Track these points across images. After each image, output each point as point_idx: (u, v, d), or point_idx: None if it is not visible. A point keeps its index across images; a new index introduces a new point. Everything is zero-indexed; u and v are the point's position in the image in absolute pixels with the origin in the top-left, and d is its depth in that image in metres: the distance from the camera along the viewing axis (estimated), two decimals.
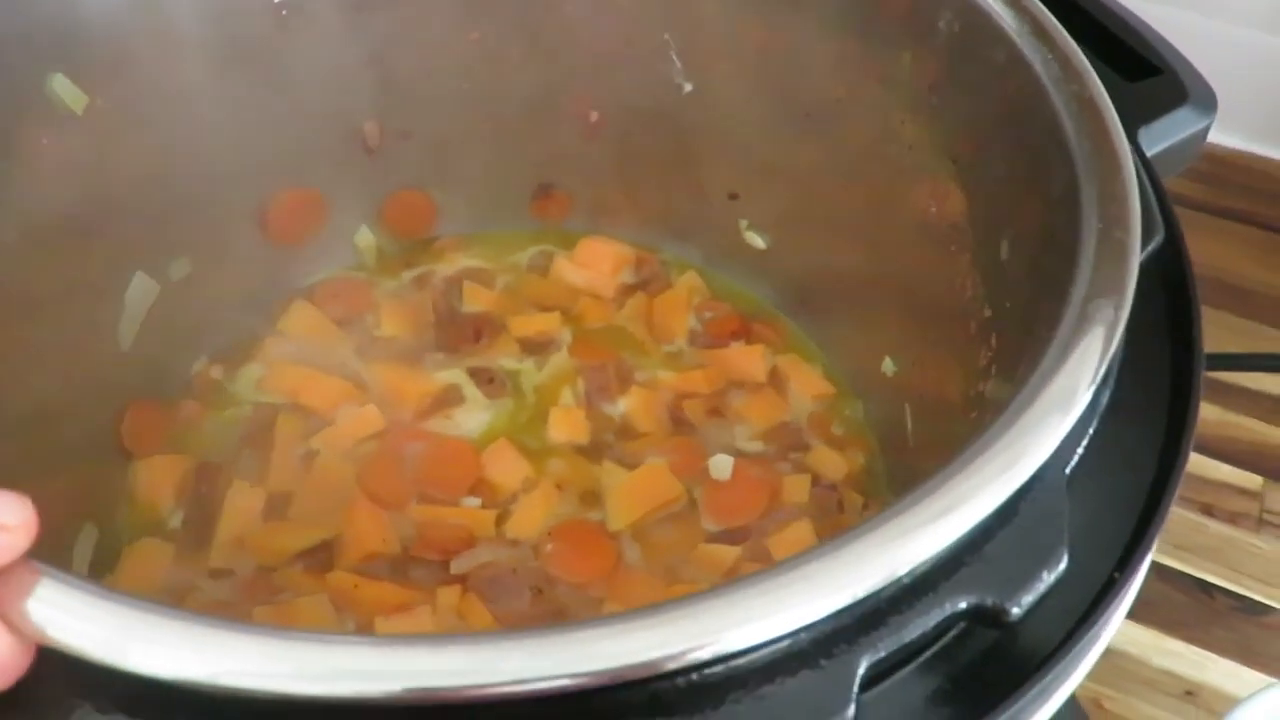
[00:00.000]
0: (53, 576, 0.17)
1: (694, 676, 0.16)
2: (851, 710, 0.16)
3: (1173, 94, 0.27)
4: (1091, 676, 0.43)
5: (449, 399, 0.38)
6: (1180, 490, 0.47)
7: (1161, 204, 0.24)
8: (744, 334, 0.41)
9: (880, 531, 0.16)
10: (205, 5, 0.31)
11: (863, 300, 0.38)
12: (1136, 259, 0.20)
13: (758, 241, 0.40)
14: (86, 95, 0.30)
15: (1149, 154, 0.26)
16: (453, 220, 0.42)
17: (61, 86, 0.29)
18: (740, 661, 0.16)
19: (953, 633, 0.18)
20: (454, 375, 0.38)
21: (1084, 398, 0.18)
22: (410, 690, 0.15)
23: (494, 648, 0.15)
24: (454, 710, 0.15)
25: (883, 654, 0.17)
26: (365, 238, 0.41)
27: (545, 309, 0.41)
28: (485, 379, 0.39)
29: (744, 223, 0.40)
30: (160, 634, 0.16)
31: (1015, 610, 0.17)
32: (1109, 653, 0.44)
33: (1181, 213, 0.63)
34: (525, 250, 0.43)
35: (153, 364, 0.35)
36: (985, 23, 0.27)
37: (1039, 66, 0.26)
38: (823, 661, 0.16)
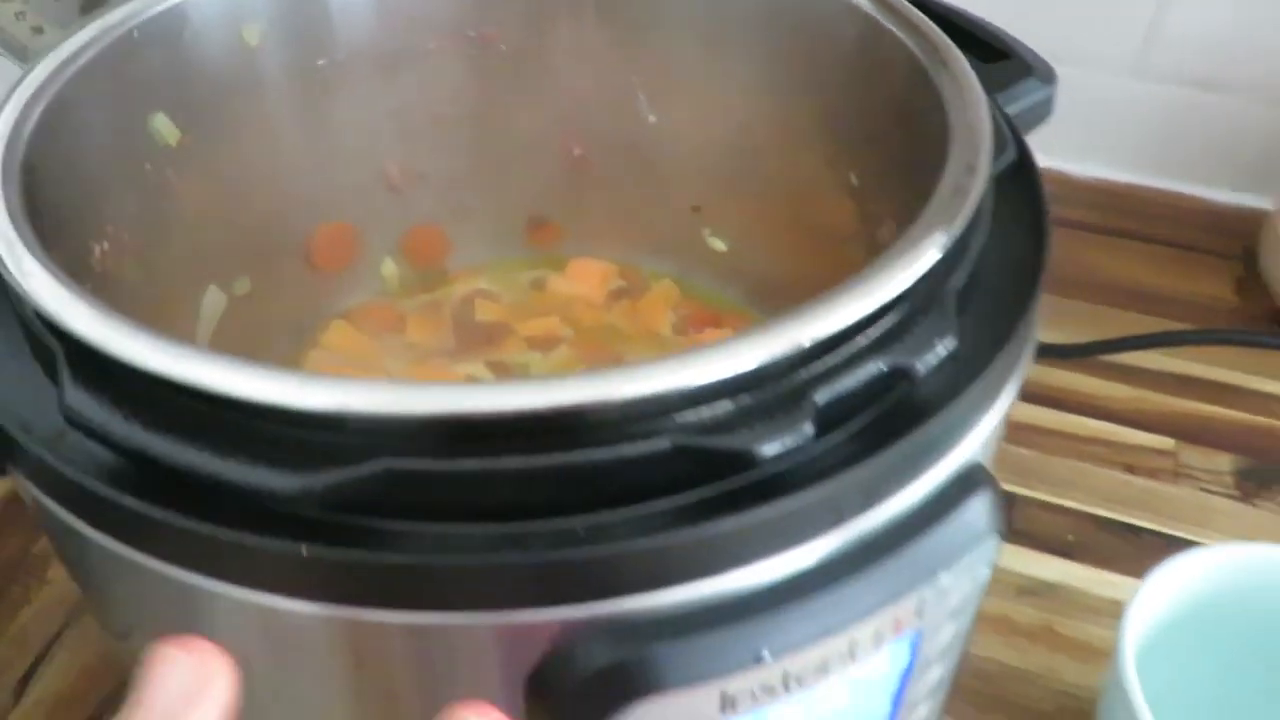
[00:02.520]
0: None
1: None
2: (809, 427, 0.23)
3: (1020, 70, 0.36)
4: (1043, 607, 0.50)
5: None
6: (1101, 454, 0.55)
7: (1015, 134, 0.33)
8: (715, 324, 0.48)
9: (816, 305, 0.24)
10: (273, 61, 0.40)
11: (814, 288, 0.45)
12: (986, 149, 0.28)
13: (719, 245, 0.48)
14: (180, 131, 0.37)
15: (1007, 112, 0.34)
16: (463, 251, 0.50)
17: (161, 123, 0.37)
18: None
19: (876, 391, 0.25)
20: (473, 367, 0.45)
21: (946, 232, 0.26)
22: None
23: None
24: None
25: (834, 394, 0.24)
26: (389, 267, 0.49)
27: (546, 315, 0.48)
28: (500, 369, 0.46)
29: (706, 230, 0.48)
30: None
31: (920, 368, 0.24)
32: (1057, 587, 0.51)
33: (1082, 235, 0.73)
34: (526, 274, 0.51)
35: None
36: (879, 32, 0.36)
37: (918, 53, 0.34)
38: (785, 391, 0.23)
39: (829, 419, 0.24)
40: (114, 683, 0.47)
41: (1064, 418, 0.60)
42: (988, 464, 0.28)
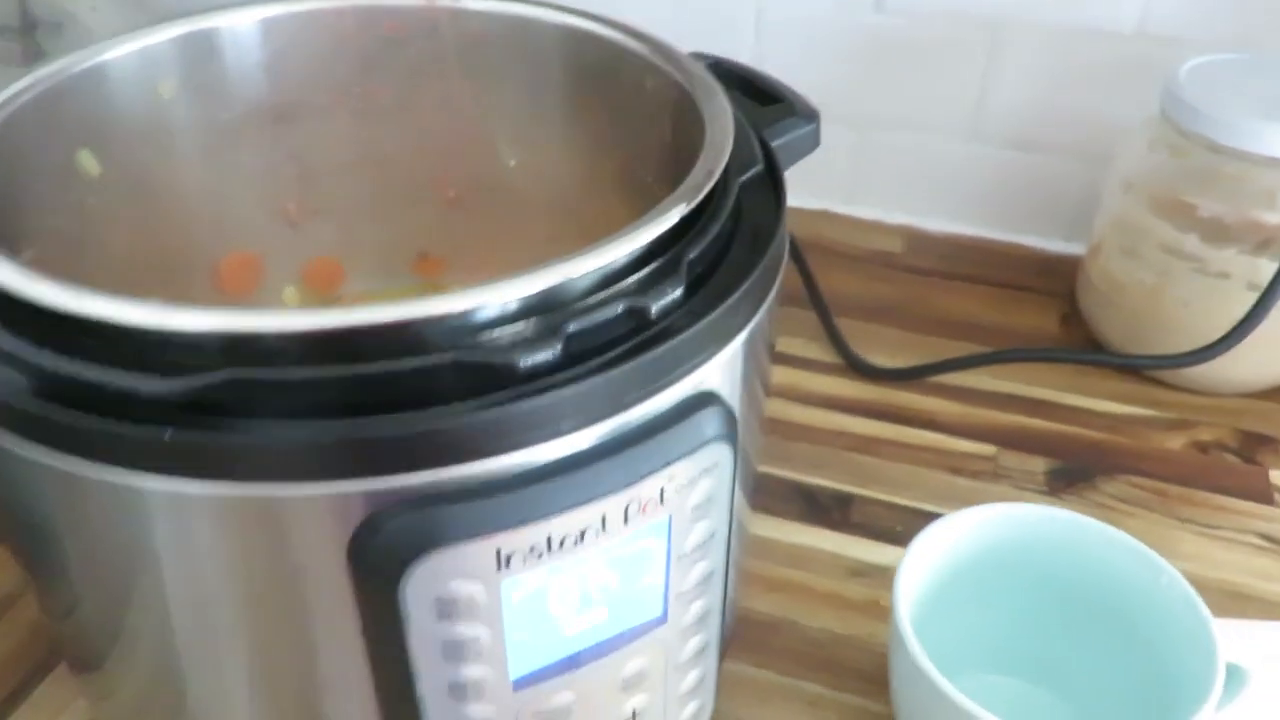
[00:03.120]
0: None
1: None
2: (559, 347, 0.31)
3: (787, 110, 0.45)
4: (871, 585, 0.56)
5: None
6: (931, 459, 0.63)
7: (766, 153, 0.41)
8: None
9: (577, 257, 0.32)
10: (188, 111, 0.48)
11: None
12: (725, 158, 0.37)
13: None
14: (101, 166, 0.45)
15: (772, 144, 0.43)
16: (356, 281, 0.58)
17: (85, 158, 0.45)
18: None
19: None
20: None
21: (678, 213, 0.34)
22: None
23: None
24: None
25: (581, 326, 0.31)
26: (290, 294, 0.56)
27: None
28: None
29: None
30: None
31: (652, 309, 0.32)
32: (884, 569, 0.58)
33: (931, 280, 0.82)
34: None
35: None
36: (669, 81, 0.45)
37: (692, 92, 0.43)
38: (544, 324, 0.31)
39: (585, 348, 0.32)
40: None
41: (901, 430, 0.68)
42: (728, 396, 0.35)
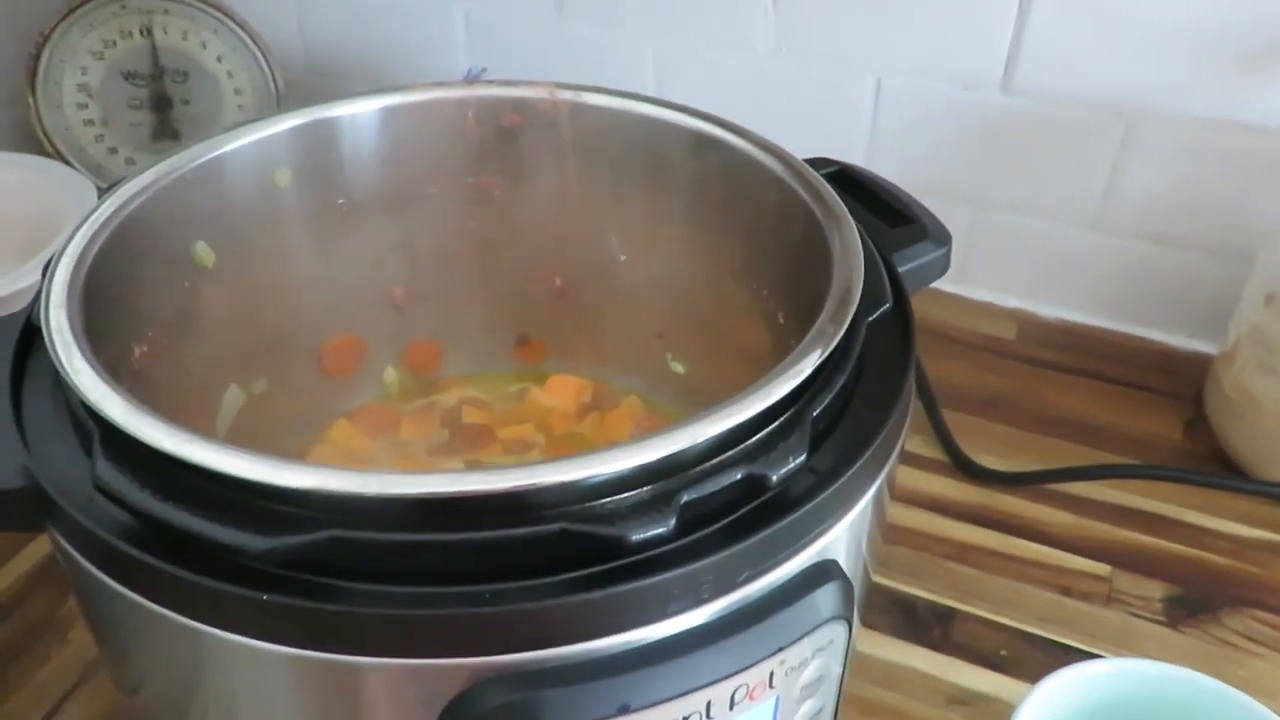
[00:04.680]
0: None
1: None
2: (673, 520, 0.29)
3: (918, 233, 0.43)
4: (971, 716, 0.54)
5: None
6: (1039, 575, 0.60)
7: (896, 288, 0.39)
8: None
9: (695, 423, 0.30)
10: (302, 199, 0.47)
11: None
12: (854, 304, 0.35)
13: (679, 368, 0.55)
14: (215, 255, 0.45)
15: (900, 269, 0.41)
16: (456, 363, 0.57)
17: (201, 249, 0.45)
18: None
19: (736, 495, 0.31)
20: (453, 464, 0.52)
21: (803, 370, 0.32)
22: None
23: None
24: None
25: (696, 494, 0.29)
26: (390, 375, 0.56)
27: (524, 422, 0.55)
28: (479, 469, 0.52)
29: (668, 355, 0.55)
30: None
31: (773, 477, 0.30)
32: (987, 698, 0.55)
33: (1042, 371, 0.79)
34: (510, 386, 0.57)
35: None
36: (794, 199, 0.43)
37: (820, 217, 0.41)
38: (657, 491, 0.29)
39: (697, 516, 0.30)
40: None
41: (1008, 540, 0.64)
42: (848, 564, 0.33)
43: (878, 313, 0.37)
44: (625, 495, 0.29)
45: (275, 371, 0.50)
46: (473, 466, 0.51)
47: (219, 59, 0.84)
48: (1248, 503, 0.66)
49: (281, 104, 0.86)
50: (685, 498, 0.29)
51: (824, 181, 0.42)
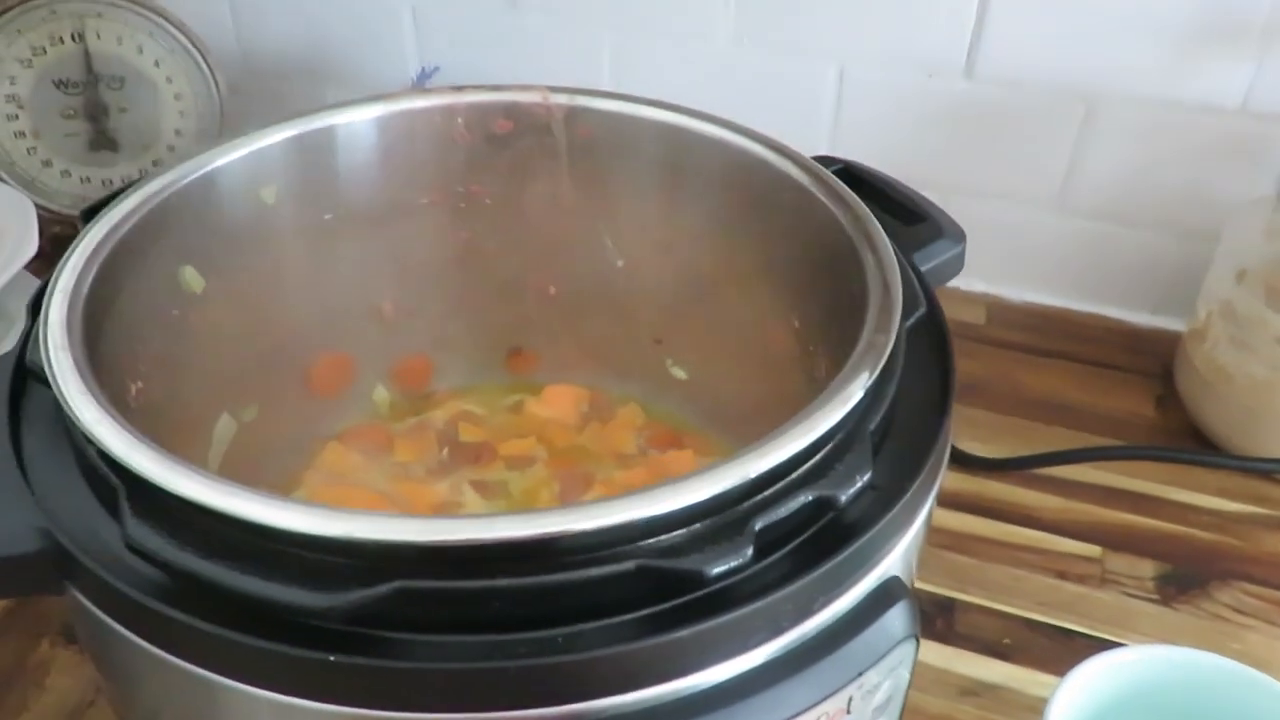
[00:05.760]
0: None
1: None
2: (750, 550, 0.28)
3: (934, 231, 0.42)
4: (983, 707, 0.54)
5: (453, 503, 0.49)
6: (1034, 560, 0.60)
7: (925, 291, 0.38)
8: (677, 445, 0.53)
9: (764, 446, 0.29)
10: (286, 218, 0.45)
11: (763, 414, 0.51)
12: (898, 314, 0.34)
13: (680, 374, 0.54)
14: (204, 279, 0.43)
15: (921, 268, 0.40)
16: (447, 378, 0.55)
17: (190, 274, 0.42)
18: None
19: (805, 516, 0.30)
20: (456, 485, 0.50)
21: (863, 383, 0.31)
22: None
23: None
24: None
25: (769, 520, 0.28)
26: (380, 393, 0.53)
27: (524, 436, 0.53)
28: (481, 488, 0.50)
29: (668, 360, 0.53)
30: None
31: (842, 498, 0.29)
32: (996, 688, 0.55)
33: (1015, 354, 0.79)
34: (505, 399, 0.56)
35: None
36: (812, 201, 0.42)
37: (844, 222, 0.40)
38: (728, 520, 0.28)
39: (766, 542, 0.29)
40: None
41: (999, 527, 0.65)
42: (904, 577, 0.33)
43: (913, 318, 0.36)
44: (698, 526, 0.28)
45: (265, 397, 0.48)
46: (479, 486, 0.50)
47: (157, 63, 0.80)
48: (1226, 477, 0.68)
49: (225, 109, 0.82)
50: (759, 524, 0.28)
51: (840, 182, 0.41)
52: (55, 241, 0.75)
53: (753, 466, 0.28)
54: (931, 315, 0.38)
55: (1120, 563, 0.63)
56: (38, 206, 0.71)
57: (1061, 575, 0.62)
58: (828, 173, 0.42)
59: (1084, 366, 0.77)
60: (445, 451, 0.51)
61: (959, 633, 0.59)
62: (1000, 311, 0.83)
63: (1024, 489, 0.67)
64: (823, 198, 0.41)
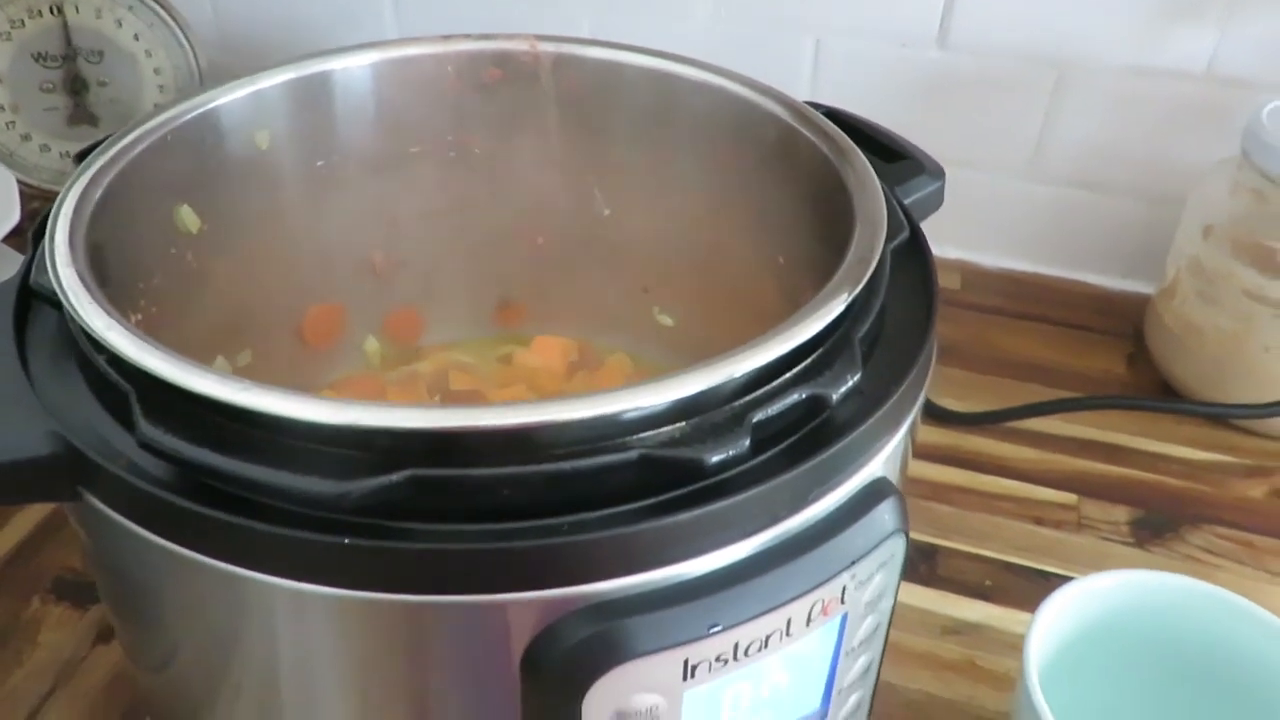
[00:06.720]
0: None
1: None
2: (747, 441, 0.29)
3: (914, 169, 0.43)
4: (966, 644, 0.55)
5: None
6: (1012, 509, 0.61)
7: (908, 219, 0.40)
8: None
9: (760, 344, 0.30)
10: (280, 164, 0.46)
11: None
12: (883, 231, 0.35)
13: (667, 321, 0.55)
14: (200, 220, 0.43)
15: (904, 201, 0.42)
16: (436, 331, 0.56)
17: (186, 214, 0.43)
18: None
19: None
20: None
21: (849, 290, 0.32)
22: None
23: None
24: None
25: (765, 415, 0.30)
26: (371, 344, 0.54)
27: (513, 384, 0.54)
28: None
29: (655, 308, 0.55)
30: None
31: (833, 396, 0.31)
32: (978, 626, 0.56)
33: (990, 318, 0.81)
34: (495, 350, 0.57)
35: None
36: (798, 138, 0.43)
37: (830, 155, 0.41)
38: (728, 414, 0.29)
39: (763, 437, 0.30)
40: None
41: (978, 478, 0.66)
42: (892, 478, 0.34)
43: (898, 239, 0.38)
44: (697, 419, 0.29)
45: (258, 343, 0.48)
46: None
47: (136, 37, 0.80)
48: (1195, 428, 0.70)
49: (205, 84, 0.83)
50: (756, 418, 0.29)
51: (824, 119, 0.43)
52: (35, 217, 0.75)
53: (743, 363, 0.29)
54: (915, 240, 0.39)
55: (1095, 509, 0.64)
56: (17, 181, 0.71)
57: (1039, 521, 0.63)
58: (813, 110, 0.43)
59: (1057, 328, 0.79)
60: (436, 399, 0.52)
61: (941, 576, 0.60)
62: (975, 277, 0.84)
63: (1000, 441, 0.69)
64: (809, 134, 0.42)
